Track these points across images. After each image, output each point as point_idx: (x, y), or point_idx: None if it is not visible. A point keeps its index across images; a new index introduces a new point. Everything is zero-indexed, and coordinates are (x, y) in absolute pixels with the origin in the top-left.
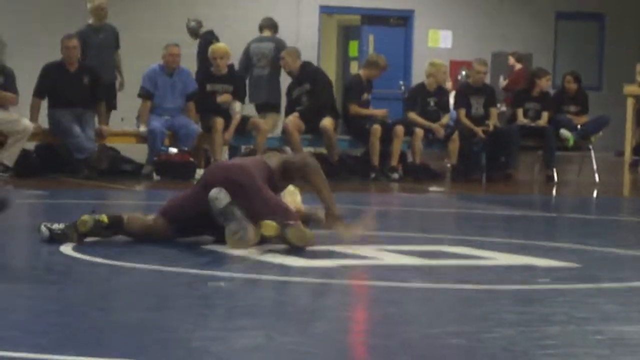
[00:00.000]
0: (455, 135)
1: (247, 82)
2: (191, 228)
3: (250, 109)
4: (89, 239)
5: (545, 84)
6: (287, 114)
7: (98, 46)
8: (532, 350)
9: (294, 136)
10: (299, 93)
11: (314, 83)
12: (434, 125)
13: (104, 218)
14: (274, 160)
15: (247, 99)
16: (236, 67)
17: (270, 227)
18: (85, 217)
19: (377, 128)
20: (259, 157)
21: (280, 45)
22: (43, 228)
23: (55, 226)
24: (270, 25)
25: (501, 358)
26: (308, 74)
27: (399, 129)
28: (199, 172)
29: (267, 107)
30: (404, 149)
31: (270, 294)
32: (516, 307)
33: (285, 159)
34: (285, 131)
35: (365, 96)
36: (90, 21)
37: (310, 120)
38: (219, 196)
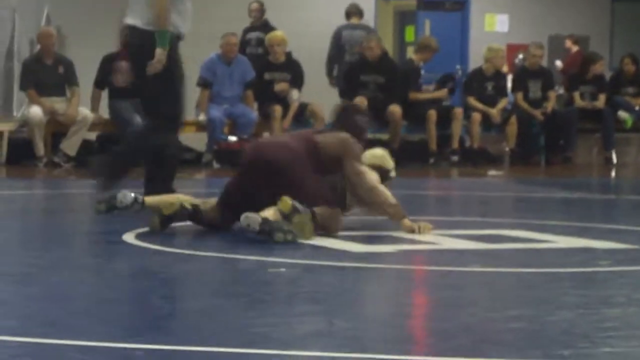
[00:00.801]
0: (513, 119)
1: (335, 67)
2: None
3: (307, 96)
4: (144, 230)
5: (599, 69)
6: (345, 95)
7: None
8: (593, 332)
9: None
10: (369, 80)
11: (389, 77)
12: (491, 110)
13: (188, 204)
14: (329, 140)
15: (331, 84)
16: (324, 53)
17: (285, 204)
18: (173, 199)
19: (432, 113)
20: (307, 132)
21: (371, 32)
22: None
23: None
24: (357, 11)
25: (562, 341)
26: (385, 65)
27: (458, 111)
28: None
29: None
30: (462, 134)
31: (330, 279)
32: (576, 290)
33: (353, 171)
34: None
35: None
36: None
37: (374, 110)
38: (250, 222)
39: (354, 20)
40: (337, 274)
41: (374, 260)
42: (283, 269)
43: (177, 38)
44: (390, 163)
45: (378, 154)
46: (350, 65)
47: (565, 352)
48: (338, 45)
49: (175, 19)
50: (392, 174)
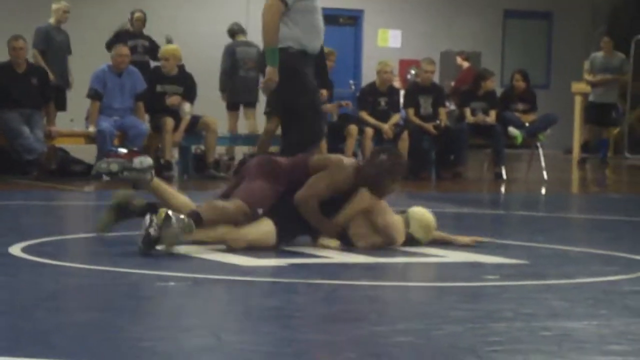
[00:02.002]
0: (405, 134)
1: (233, 83)
2: None
3: (200, 109)
4: (37, 241)
5: (490, 85)
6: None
7: (58, 47)
8: (479, 346)
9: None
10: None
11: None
12: (384, 126)
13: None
14: (322, 157)
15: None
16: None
17: (159, 215)
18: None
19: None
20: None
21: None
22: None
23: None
24: (241, 30)
25: (448, 355)
26: None
27: (353, 129)
28: None
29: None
30: (355, 148)
31: (219, 293)
32: (464, 304)
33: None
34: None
35: (325, 93)
36: (52, 21)
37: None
38: (146, 222)
39: (241, 38)
40: (227, 288)
41: (264, 274)
42: (172, 283)
43: (303, 54)
44: (427, 234)
45: (424, 221)
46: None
47: None
48: (232, 61)
49: (299, 35)
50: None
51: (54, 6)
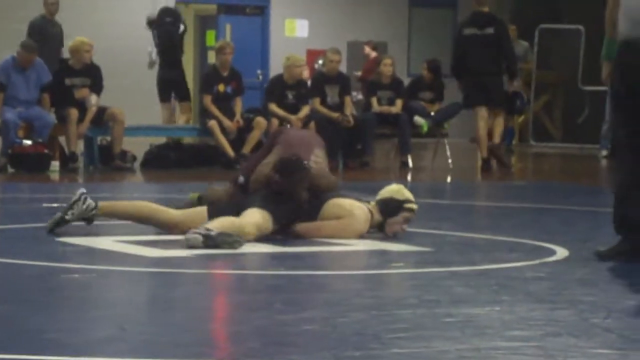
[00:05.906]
0: (312, 124)
1: None
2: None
3: (106, 100)
4: None
5: (386, 69)
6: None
7: (53, 39)
8: (384, 334)
9: None
10: None
11: None
12: (292, 118)
13: None
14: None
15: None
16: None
17: None
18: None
19: (213, 123)
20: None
21: None
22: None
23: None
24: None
25: (352, 342)
26: None
27: (260, 121)
28: (54, 164)
29: None
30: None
31: (124, 285)
32: (369, 292)
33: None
34: None
35: (222, 87)
36: (44, 13)
37: None
38: (193, 243)
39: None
40: (132, 279)
41: (170, 265)
42: (76, 275)
43: (625, 45)
44: (405, 194)
45: (393, 188)
46: None
47: (356, 354)
48: None
49: (620, 22)
50: (410, 205)
51: None
